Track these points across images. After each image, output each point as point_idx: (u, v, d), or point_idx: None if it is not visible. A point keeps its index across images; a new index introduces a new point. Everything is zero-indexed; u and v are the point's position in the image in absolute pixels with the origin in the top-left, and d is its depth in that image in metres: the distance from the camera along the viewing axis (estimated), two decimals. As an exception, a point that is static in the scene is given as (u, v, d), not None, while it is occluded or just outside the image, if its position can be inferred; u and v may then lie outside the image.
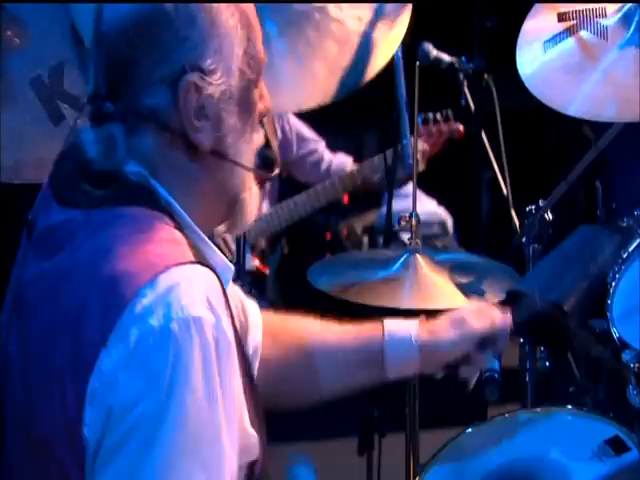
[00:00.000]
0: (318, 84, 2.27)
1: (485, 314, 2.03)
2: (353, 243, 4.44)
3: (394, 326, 1.98)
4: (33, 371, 1.53)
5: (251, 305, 1.98)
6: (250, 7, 1.63)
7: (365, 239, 4.40)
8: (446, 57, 2.74)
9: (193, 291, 1.47)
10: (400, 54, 2.51)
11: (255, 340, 1.95)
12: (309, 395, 2.01)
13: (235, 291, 1.91)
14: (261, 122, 1.69)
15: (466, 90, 2.76)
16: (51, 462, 1.50)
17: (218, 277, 1.54)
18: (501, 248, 2.69)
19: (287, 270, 4.25)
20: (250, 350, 1.92)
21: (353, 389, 2.02)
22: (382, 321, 1.99)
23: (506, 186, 2.83)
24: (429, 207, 4.05)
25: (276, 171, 1.73)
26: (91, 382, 1.44)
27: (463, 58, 2.69)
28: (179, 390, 1.43)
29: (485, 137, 2.86)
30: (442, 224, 4.16)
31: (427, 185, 3.73)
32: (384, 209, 3.16)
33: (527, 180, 2.66)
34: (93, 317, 1.46)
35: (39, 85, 2.15)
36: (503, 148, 2.80)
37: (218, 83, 1.57)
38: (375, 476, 2.80)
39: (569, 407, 2.15)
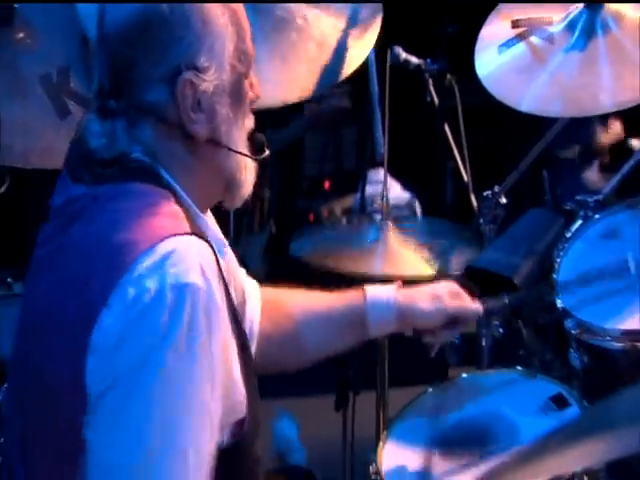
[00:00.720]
0: (299, 82, 2.26)
1: (460, 297, 2.01)
2: (333, 223, 4.42)
3: (374, 292, 1.96)
4: (46, 331, 1.52)
5: (250, 284, 1.96)
6: (239, 5, 1.60)
7: (344, 220, 4.39)
8: (414, 59, 2.71)
9: (187, 259, 1.45)
10: (373, 56, 2.51)
11: (252, 316, 1.92)
12: (303, 358, 1.99)
13: (238, 270, 1.90)
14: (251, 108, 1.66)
15: (431, 88, 2.73)
16: (61, 411, 1.48)
17: (213, 249, 1.52)
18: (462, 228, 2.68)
19: (275, 247, 4.23)
20: (247, 324, 1.89)
21: (340, 349, 2.01)
22: (363, 288, 1.98)
23: (466, 174, 2.82)
24: (399, 192, 4.01)
25: (266, 153, 1.68)
26: (93, 335, 1.43)
27: (428, 60, 2.67)
28: (165, 346, 1.41)
29: (448, 130, 2.84)
30: (411, 207, 4.15)
31: (397, 173, 3.70)
32: (360, 193, 3.15)
33: (485, 168, 2.64)
34: (97, 280, 1.45)
35: (48, 82, 2.12)
36: (464, 140, 2.78)
37: (212, 79, 1.54)
38: (350, 429, 2.79)
39: (519, 368, 2.14)
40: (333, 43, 2.29)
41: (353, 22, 2.32)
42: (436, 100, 2.76)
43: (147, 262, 1.43)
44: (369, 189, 3.06)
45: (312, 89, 2.26)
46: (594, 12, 2.27)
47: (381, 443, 2.02)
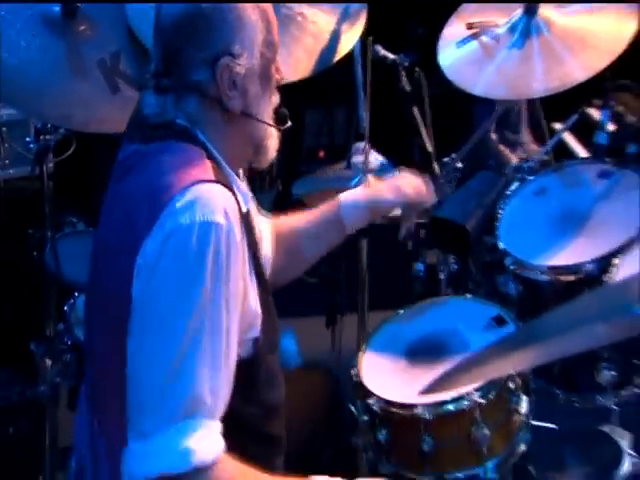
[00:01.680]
0: (299, 65, 2.24)
1: (415, 184, 1.99)
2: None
3: (345, 196, 1.95)
4: (106, 258, 1.53)
5: (264, 222, 1.92)
6: (269, 5, 1.57)
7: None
8: (390, 55, 2.66)
9: (213, 202, 1.43)
10: (358, 50, 2.49)
11: (266, 250, 1.88)
12: (303, 263, 1.97)
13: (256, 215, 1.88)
14: (277, 87, 1.63)
15: (404, 78, 2.69)
16: (117, 320, 1.46)
17: (236, 196, 1.49)
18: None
19: (282, 202, 4.21)
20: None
21: (329, 248, 1.97)
22: (337, 195, 1.96)
23: (431, 145, 2.77)
24: (377, 157, 3.98)
25: (288, 124, 1.65)
26: (137, 260, 1.42)
27: (402, 55, 2.63)
28: (197, 270, 1.40)
29: (417, 112, 2.80)
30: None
31: (378, 146, 3.65)
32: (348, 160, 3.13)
33: (445, 141, 2.61)
34: (142, 216, 1.43)
35: (103, 65, 2.11)
36: (429, 118, 2.74)
37: (244, 63, 1.51)
38: (337, 343, 2.80)
39: (468, 295, 2.14)
40: (326, 36, 2.27)
41: (343, 18, 2.30)
42: (407, 88, 2.71)
43: (180, 202, 1.41)
44: (355, 158, 3.03)
45: (309, 71, 2.23)
46: (530, 18, 2.25)
47: (361, 352, 2.01)
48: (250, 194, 1.66)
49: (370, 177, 2.05)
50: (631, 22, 2.12)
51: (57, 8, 2.12)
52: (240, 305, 1.47)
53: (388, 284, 2.47)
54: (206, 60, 1.49)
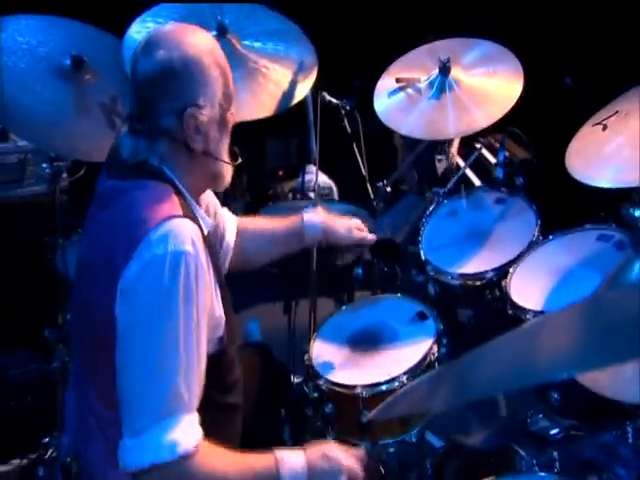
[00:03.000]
0: (263, 106, 2.12)
1: (362, 231, 1.91)
2: (284, 197, 4.28)
3: (309, 216, 1.84)
4: (89, 282, 1.38)
5: (230, 219, 1.80)
6: (225, 61, 1.44)
7: (290, 195, 4.25)
8: (334, 100, 2.54)
9: (182, 234, 1.31)
10: (310, 95, 2.38)
11: (230, 241, 1.77)
12: (248, 263, 1.83)
13: (220, 210, 1.75)
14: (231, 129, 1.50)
15: (345, 119, 2.56)
16: (100, 335, 1.33)
17: (200, 227, 1.37)
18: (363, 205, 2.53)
19: (250, 209, 4.06)
20: (222, 253, 1.74)
21: (276, 257, 1.85)
22: (301, 213, 1.85)
23: (365, 171, 2.65)
24: (325, 180, 3.87)
25: (239, 160, 1.53)
26: (119, 286, 1.28)
27: (344, 100, 2.51)
28: (171, 292, 1.28)
29: (355, 145, 2.68)
30: (330, 188, 4.00)
31: (325, 170, 3.53)
32: (300, 178, 3.00)
33: (379, 169, 2.49)
34: (121, 246, 1.30)
35: (103, 106, 1.99)
36: (364, 151, 2.61)
37: (207, 113, 1.39)
38: (292, 326, 2.65)
39: (399, 295, 2.02)
40: (285, 83, 2.15)
41: (298, 71, 2.18)
42: (347, 127, 2.59)
43: (155, 235, 1.29)
44: (306, 177, 2.90)
45: (272, 111, 2.12)
46: (444, 77, 2.17)
47: (311, 341, 1.89)
48: (209, 221, 1.51)
49: (320, 208, 1.91)
50: (518, 84, 2.07)
51: (68, 61, 2.02)
52: (207, 314, 1.36)
53: (332, 283, 2.32)
54: (175, 110, 1.37)
